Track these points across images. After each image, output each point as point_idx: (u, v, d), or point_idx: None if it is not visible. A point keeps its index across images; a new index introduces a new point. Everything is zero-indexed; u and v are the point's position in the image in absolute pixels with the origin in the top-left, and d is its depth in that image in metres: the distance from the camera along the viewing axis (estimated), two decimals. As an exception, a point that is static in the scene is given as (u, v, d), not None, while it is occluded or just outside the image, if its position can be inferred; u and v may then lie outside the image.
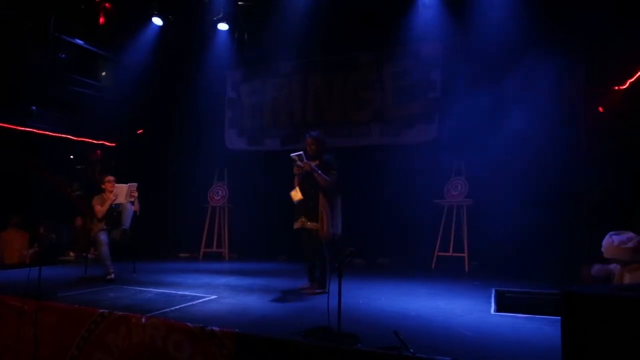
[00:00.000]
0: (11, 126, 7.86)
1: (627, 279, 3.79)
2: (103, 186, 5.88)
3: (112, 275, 5.37)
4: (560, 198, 6.05)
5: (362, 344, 2.80)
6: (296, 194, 4.74)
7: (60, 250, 8.15)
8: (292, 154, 4.73)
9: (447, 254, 6.90)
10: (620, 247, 3.75)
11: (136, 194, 5.82)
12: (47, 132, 8.43)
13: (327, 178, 4.62)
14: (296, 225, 4.80)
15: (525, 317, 3.69)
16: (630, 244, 3.74)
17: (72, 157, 9.87)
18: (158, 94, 8.95)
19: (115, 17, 8.53)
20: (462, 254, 6.71)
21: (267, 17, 7.86)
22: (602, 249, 3.88)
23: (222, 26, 8.19)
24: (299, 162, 4.68)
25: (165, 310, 3.75)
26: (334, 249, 4.64)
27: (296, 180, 4.83)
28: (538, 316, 3.70)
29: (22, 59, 7.69)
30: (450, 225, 7.01)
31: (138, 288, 4.89)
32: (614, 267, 4.04)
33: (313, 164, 4.67)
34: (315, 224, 4.62)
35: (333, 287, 2.80)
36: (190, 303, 4.13)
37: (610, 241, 3.83)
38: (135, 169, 8.69)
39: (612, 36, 5.86)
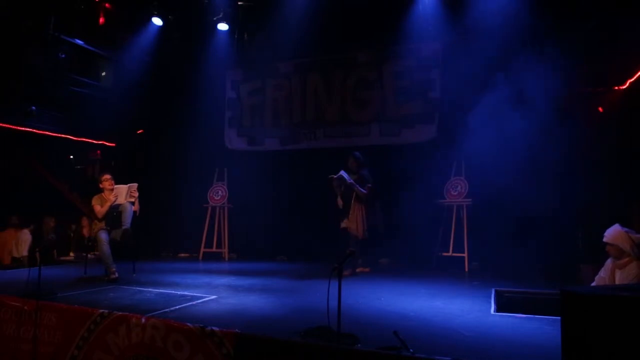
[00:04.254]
0: (11, 126, 7.86)
1: (618, 274, 3.81)
2: (101, 185, 5.79)
3: (116, 275, 5.32)
4: (560, 198, 6.05)
5: (361, 344, 2.80)
6: (339, 202, 6.09)
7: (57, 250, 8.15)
8: (332, 176, 5.91)
9: (447, 254, 6.90)
10: (627, 234, 3.76)
11: (136, 194, 5.78)
12: (47, 132, 8.43)
13: (364, 191, 5.92)
14: (342, 225, 5.99)
15: (525, 317, 3.69)
16: (638, 235, 3.76)
17: (72, 157, 9.88)
18: (158, 94, 8.95)
19: (115, 17, 8.52)
20: (462, 254, 6.70)
21: (267, 17, 7.86)
22: (606, 233, 3.87)
23: (222, 26, 8.19)
24: (338, 182, 5.93)
25: (165, 310, 3.76)
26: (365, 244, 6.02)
27: (338, 192, 6.05)
28: (538, 316, 3.70)
29: (22, 59, 7.69)
30: (450, 225, 7.00)
31: (138, 288, 4.88)
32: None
33: (353, 177, 5.93)
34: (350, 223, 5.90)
35: (333, 287, 2.80)
36: (190, 303, 4.13)
37: (619, 227, 3.84)
38: (135, 169, 8.70)
39: (611, 36, 5.85)
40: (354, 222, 5.91)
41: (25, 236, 7.79)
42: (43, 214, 8.19)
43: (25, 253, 7.67)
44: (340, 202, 6.08)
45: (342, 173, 5.92)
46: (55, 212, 8.31)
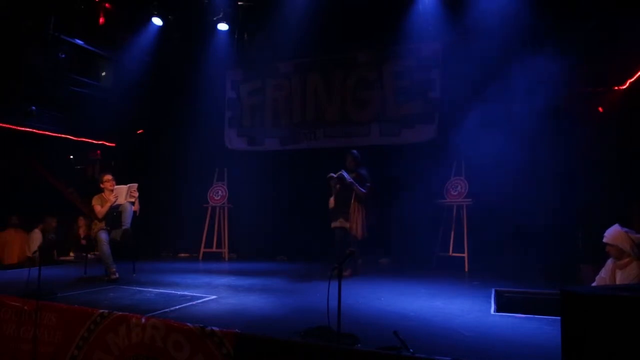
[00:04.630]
0: (11, 126, 7.86)
1: (618, 275, 3.82)
2: (102, 185, 5.80)
3: (116, 275, 5.32)
4: (560, 198, 6.05)
5: (361, 344, 2.80)
6: (331, 203, 6.01)
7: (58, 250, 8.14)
8: (331, 174, 5.89)
9: (447, 254, 6.90)
10: (627, 234, 3.75)
11: (136, 194, 5.78)
12: (47, 132, 8.42)
13: (363, 190, 5.83)
14: (334, 224, 5.93)
15: (525, 317, 3.70)
16: (638, 235, 3.75)
17: (72, 157, 9.87)
18: (158, 94, 8.95)
19: (115, 17, 8.52)
20: (462, 254, 6.71)
21: (267, 17, 7.86)
22: (606, 233, 3.87)
23: (222, 26, 8.19)
24: (337, 181, 5.88)
25: (165, 310, 3.76)
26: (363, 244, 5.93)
27: (334, 191, 5.97)
28: (538, 316, 3.70)
29: (22, 59, 7.68)
30: (450, 225, 7.01)
31: (138, 288, 4.88)
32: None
33: (351, 176, 5.87)
34: (348, 223, 5.79)
35: (333, 287, 2.80)
36: (190, 303, 4.13)
37: (619, 228, 3.84)
38: (135, 169, 8.69)
39: (611, 36, 5.85)
40: (354, 222, 5.83)
41: (36, 235, 7.84)
42: (44, 214, 8.19)
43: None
44: (332, 201, 6.00)
45: (343, 172, 5.89)
46: (55, 212, 8.30)
